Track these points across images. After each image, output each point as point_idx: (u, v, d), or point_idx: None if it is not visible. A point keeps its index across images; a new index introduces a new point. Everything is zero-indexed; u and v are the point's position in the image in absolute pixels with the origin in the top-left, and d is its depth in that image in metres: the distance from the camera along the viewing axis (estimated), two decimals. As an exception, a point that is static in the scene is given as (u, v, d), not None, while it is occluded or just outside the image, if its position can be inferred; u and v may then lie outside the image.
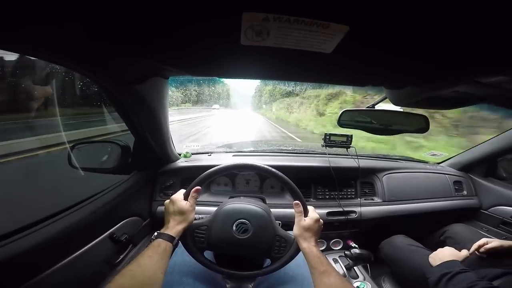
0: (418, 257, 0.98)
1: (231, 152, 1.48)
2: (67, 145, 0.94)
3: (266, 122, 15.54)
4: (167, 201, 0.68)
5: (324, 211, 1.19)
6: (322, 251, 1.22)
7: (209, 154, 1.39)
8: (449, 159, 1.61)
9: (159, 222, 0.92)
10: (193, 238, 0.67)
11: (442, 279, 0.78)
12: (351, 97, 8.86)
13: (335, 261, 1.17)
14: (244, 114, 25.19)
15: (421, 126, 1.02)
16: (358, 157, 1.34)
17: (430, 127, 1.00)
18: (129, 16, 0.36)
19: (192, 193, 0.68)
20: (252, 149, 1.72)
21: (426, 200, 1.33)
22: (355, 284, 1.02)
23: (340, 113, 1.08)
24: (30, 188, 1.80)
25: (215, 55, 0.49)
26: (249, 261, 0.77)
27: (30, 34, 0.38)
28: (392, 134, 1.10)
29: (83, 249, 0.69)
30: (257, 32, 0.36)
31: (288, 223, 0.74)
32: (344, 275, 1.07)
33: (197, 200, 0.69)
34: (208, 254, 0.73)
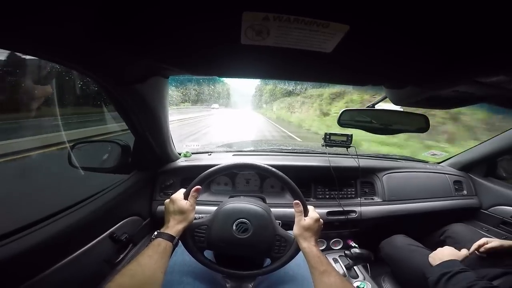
0: (418, 257, 0.98)
1: (231, 151, 1.48)
2: (67, 145, 0.94)
3: (266, 122, 15.49)
4: (167, 200, 0.68)
5: (324, 210, 1.19)
6: (322, 250, 1.22)
7: (209, 153, 1.39)
8: (449, 159, 1.61)
9: (159, 221, 0.93)
10: (193, 237, 0.67)
11: (442, 279, 0.78)
12: (358, 96, 8.22)
13: (335, 260, 1.17)
14: (244, 114, 25.12)
15: (421, 126, 1.02)
16: (358, 156, 1.34)
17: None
18: (129, 16, 0.36)
19: (192, 193, 0.68)
20: (252, 148, 1.72)
21: (426, 199, 1.33)
22: (355, 284, 1.02)
23: (340, 112, 1.09)
24: (30, 187, 1.80)
25: (215, 55, 0.49)
26: (249, 260, 0.77)
27: (30, 34, 0.38)
28: (392, 134, 1.10)
29: (83, 249, 0.69)
30: (257, 31, 0.36)
31: (288, 223, 0.74)
32: (344, 275, 1.07)
33: (197, 199, 0.69)
34: (208, 253, 0.73)
